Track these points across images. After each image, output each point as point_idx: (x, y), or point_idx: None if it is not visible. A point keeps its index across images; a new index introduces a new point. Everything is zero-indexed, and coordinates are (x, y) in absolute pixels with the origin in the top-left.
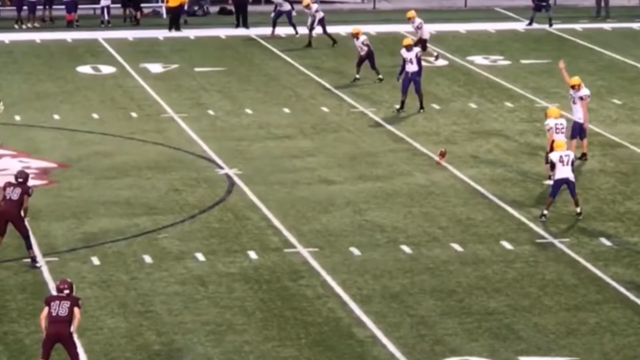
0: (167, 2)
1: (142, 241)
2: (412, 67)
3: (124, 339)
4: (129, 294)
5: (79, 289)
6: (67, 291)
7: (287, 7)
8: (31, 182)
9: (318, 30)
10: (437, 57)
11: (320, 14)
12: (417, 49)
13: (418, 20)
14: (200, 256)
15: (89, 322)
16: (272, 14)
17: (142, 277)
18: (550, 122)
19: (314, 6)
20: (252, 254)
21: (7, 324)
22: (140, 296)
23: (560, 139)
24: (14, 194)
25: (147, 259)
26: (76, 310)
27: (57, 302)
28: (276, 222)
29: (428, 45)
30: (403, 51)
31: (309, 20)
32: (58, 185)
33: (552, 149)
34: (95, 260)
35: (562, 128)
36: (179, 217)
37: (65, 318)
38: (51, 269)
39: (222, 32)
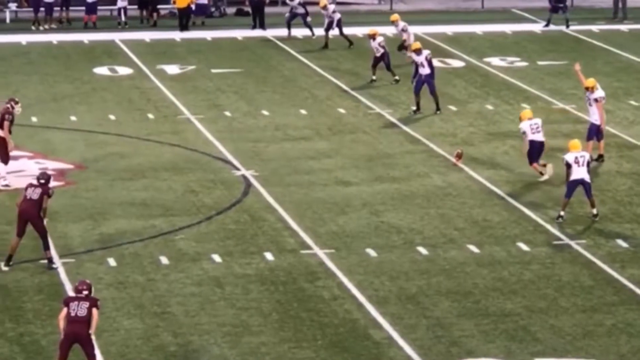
0: (175, 2)
1: (159, 242)
2: (424, 70)
3: (140, 340)
4: (145, 295)
5: (95, 290)
6: (86, 292)
7: (301, 10)
8: (52, 184)
9: (335, 31)
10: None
11: (338, 15)
12: (426, 52)
13: (402, 24)
14: (216, 257)
15: (106, 323)
16: (287, 15)
17: (159, 279)
18: (524, 126)
19: (331, 7)
20: (269, 256)
21: (23, 325)
22: (157, 297)
23: (538, 138)
24: (34, 194)
25: (164, 260)
26: (94, 311)
27: (76, 302)
28: (292, 224)
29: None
30: (413, 55)
31: (326, 22)
32: (75, 186)
33: (530, 152)
34: (112, 262)
35: (538, 127)
36: (196, 218)
37: (83, 319)
38: (67, 270)
39: (239, 34)
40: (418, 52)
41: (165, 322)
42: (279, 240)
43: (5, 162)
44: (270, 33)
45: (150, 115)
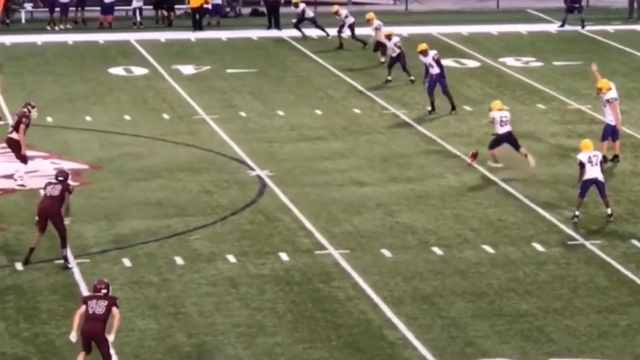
0: (189, 2)
1: (174, 242)
2: (434, 70)
3: (155, 340)
4: (160, 295)
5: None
6: (104, 291)
7: (310, 13)
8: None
9: (348, 33)
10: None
11: (351, 19)
12: (433, 52)
13: (376, 22)
14: (231, 258)
15: (120, 323)
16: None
17: (173, 279)
18: (494, 115)
19: (344, 12)
20: (283, 256)
21: (38, 325)
22: (171, 298)
23: (506, 130)
24: (54, 190)
25: (179, 260)
26: (115, 310)
27: (95, 301)
28: (307, 224)
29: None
30: (421, 57)
31: (340, 25)
32: (89, 186)
33: (495, 142)
34: (127, 262)
35: (507, 120)
36: (210, 218)
37: (101, 317)
38: (82, 270)
39: (254, 34)
40: (424, 53)
41: (180, 322)
42: (293, 241)
43: (24, 162)
44: (285, 33)
45: (166, 116)
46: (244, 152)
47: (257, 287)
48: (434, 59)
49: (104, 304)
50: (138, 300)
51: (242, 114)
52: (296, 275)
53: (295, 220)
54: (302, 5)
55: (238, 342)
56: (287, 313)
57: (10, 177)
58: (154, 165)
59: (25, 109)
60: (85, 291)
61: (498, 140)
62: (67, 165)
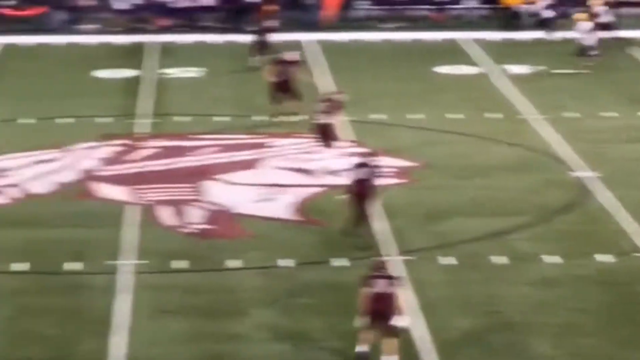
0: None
1: (495, 242)
2: None
3: (473, 339)
4: (479, 293)
5: (431, 288)
6: (384, 270)
7: (549, 13)
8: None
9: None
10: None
11: (549, 13)
12: None
13: (584, 24)
14: (552, 258)
15: (439, 322)
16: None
17: (493, 278)
18: None
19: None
20: (606, 257)
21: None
22: (490, 297)
23: None
24: (363, 174)
25: (499, 260)
26: (397, 288)
27: (378, 280)
28: (632, 226)
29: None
30: None
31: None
32: (416, 184)
33: None
34: (448, 260)
35: None
36: (533, 218)
37: (385, 295)
38: (406, 267)
39: None
40: None
41: (496, 321)
42: (617, 242)
43: (329, 147)
44: (624, 33)
45: (493, 115)
46: (571, 153)
47: (577, 288)
48: None
49: (385, 282)
50: (458, 299)
51: (569, 114)
52: (618, 277)
53: (620, 222)
54: (541, 4)
55: (552, 342)
56: (606, 314)
57: (334, 173)
58: (480, 165)
59: (335, 97)
60: (409, 289)
61: None
62: (395, 162)
